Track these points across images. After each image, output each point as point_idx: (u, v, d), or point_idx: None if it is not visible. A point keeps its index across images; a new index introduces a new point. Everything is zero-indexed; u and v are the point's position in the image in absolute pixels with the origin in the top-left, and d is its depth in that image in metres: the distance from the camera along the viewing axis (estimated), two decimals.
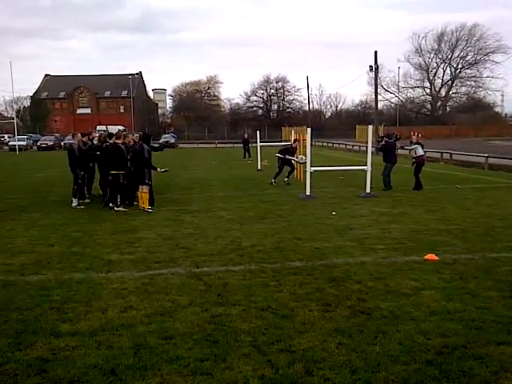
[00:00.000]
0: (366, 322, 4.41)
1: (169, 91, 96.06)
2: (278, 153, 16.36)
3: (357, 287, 5.40)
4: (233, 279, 5.76)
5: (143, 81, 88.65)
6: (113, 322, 4.48)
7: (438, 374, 3.42)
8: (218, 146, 53.34)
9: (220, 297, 5.16)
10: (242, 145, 31.35)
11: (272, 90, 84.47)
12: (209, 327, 4.35)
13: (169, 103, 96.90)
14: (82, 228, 8.99)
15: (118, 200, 11.03)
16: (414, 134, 15.23)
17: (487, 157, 20.87)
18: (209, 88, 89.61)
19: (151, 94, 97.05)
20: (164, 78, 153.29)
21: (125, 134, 12.73)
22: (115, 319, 4.56)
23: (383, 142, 14.96)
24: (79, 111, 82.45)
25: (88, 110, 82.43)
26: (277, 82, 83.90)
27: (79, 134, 12.36)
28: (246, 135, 31.83)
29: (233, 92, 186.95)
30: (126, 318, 4.57)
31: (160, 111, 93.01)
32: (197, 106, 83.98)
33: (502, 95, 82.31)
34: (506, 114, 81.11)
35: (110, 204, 11.06)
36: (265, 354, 3.81)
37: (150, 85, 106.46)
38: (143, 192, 10.99)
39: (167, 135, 59.51)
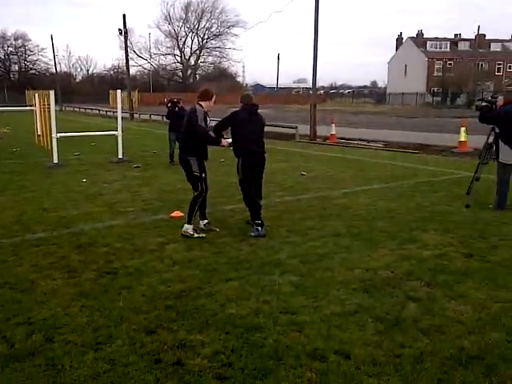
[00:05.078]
0: (111, 281, 4.50)
1: None
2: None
3: (104, 250, 5.42)
4: None
5: None
6: None
7: (175, 316, 3.77)
8: None
9: None
10: None
11: (10, 48, 74.49)
12: None
13: None
14: None
15: None
16: None
17: None
18: None
19: None
20: None
21: None
22: None
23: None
24: None
25: None
26: (15, 40, 74.27)
27: None
28: None
29: None
30: None
31: None
32: None
33: (243, 66, 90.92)
34: (246, 84, 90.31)
35: None
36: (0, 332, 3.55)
37: None
38: None
39: None
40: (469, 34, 67.73)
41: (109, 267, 4.88)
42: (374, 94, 79.14)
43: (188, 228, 5.91)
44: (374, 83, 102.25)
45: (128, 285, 4.40)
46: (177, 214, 6.98)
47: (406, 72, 68.13)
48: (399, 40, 71.92)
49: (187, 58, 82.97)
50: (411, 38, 68.88)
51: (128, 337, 3.46)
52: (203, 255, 5.23)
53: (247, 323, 3.62)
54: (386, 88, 74.65)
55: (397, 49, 72.02)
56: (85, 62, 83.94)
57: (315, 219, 6.75)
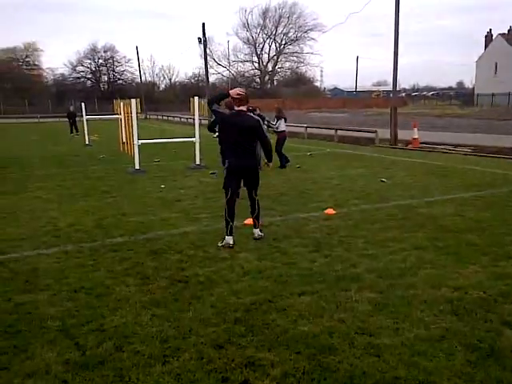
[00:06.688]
0: (182, 290, 4.45)
1: None
2: None
3: (177, 257, 5.42)
4: (44, 263, 5.30)
5: None
6: None
7: (244, 331, 3.60)
8: (41, 120, 48.56)
9: (27, 283, 4.70)
10: (67, 119, 29.12)
11: (100, 60, 79.38)
12: (10, 318, 3.93)
13: None
14: None
15: None
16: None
17: (306, 127, 22.78)
18: (27, 56, 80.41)
19: None
20: None
21: None
22: None
23: None
24: None
25: None
26: (105, 52, 79.02)
27: None
28: (71, 108, 29.59)
29: (56, 61, 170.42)
30: None
31: None
32: (14, 76, 74.81)
33: (321, 70, 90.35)
34: (324, 88, 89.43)
35: None
36: (73, 338, 3.59)
37: None
38: None
39: None
40: None
41: (180, 275, 4.83)
42: (460, 95, 74.88)
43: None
44: (461, 84, 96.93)
45: (198, 294, 4.31)
46: (249, 221, 6.85)
47: (496, 71, 63.80)
48: (488, 37, 67.52)
49: (265, 64, 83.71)
50: (502, 34, 64.41)
51: (196, 350, 3.34)
52: (275, 266, 5.04)
53: (320, 343, 3.37)
54: (473, 89, 70.34)
55: (486, 47, 67.69)
56: (167, 71, 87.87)
57: (396, 230, 6.31)
